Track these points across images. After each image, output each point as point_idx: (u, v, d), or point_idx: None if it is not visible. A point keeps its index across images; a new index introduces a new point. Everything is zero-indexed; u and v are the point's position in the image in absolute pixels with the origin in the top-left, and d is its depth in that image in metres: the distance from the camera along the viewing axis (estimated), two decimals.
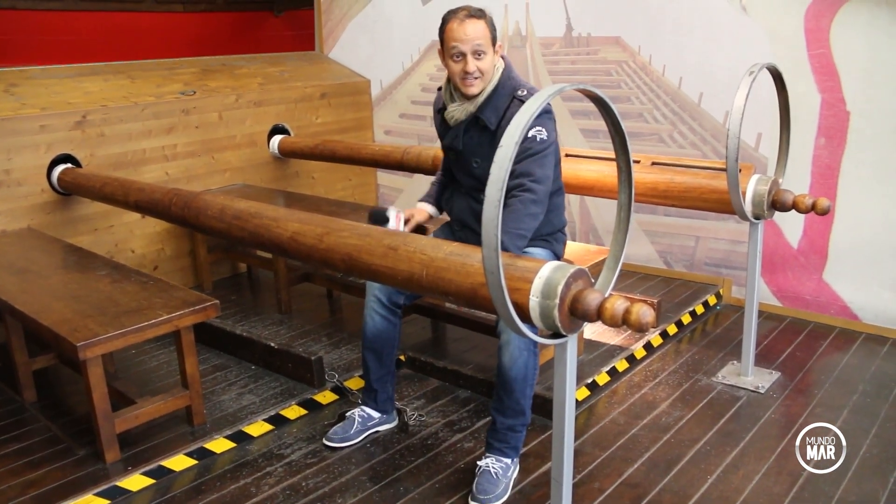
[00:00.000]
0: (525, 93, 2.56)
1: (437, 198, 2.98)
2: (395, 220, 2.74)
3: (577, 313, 1.79)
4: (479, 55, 2.54)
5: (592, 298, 1.77)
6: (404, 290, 2.65)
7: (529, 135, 2.43)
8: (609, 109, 1.77)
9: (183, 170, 4.49)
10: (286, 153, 4.92)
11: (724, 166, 2.87)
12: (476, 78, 2.56)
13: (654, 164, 3.37)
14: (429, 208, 2.95)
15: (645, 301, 3.76)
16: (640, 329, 1.70)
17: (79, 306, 2.82)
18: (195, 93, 4.59)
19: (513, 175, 2.43)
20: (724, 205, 3.04)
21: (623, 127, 1.82)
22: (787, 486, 2.55)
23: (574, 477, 2.44)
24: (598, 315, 1.76)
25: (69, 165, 3.96)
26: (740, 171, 2.91)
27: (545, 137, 2.48)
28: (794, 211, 2.98)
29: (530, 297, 1.81)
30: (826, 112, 3.69)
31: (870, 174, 3.62)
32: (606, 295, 1.80)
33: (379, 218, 2.72)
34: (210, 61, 5.24)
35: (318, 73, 5.47)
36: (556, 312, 1.78)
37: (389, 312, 2.80)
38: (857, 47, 3.56)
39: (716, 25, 3.97)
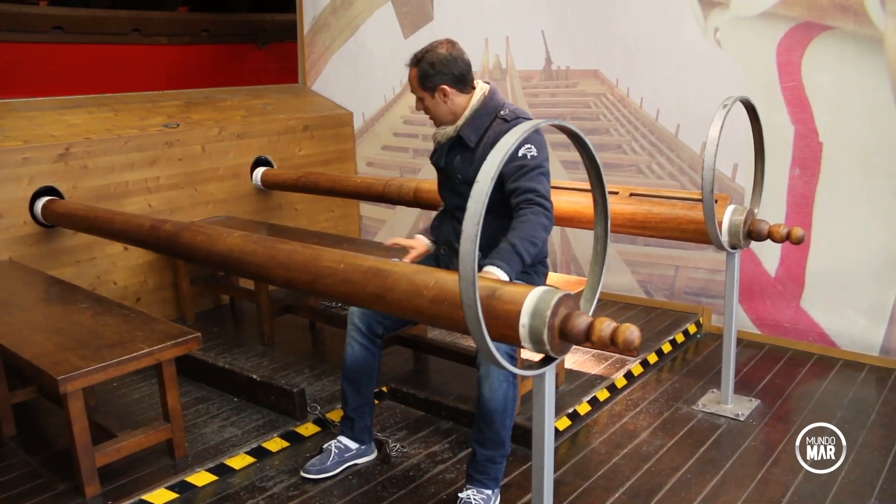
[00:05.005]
0: (506, 112, 2.65)
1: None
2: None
3: (567, 335, 1.82)
4: (420, 100, 2.71)
5: (581, 320, 1.80)
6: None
7: (520, 154, 2.51)
8: (583, 143, 1.81)
9: (166, 202, 4.50)
10: (269, 185, 4.94)
11: (700, 197, 2.92)
12: (431, 118, 2.71)
13: (632, 195, 3.42)
14: (424, 240, 2.91)
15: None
16: (628, 348, 1.73)
17: (60, 339, 2.82)
18: (178, 125, 4.62)
19: (517, 192, 2.50)
20: (702, 235, 3.08)
21: (598, 160, 1.86)
22: None
23: None
24: (587, 336, 1.79)
25: (52, 198, 3.96)
26: (716, 201, 2.96)
27: (535, 154, 2.53)
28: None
29: (520, 319, 1.83)
30: (800, 143, 3.76)
31: (843, 203, 3.69)
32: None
33: None
34: (193, 94, 5.27)
35: (300, 105, 5.52)
36: (545, 335, 1.80)
37: (369, 341, 2.81)
38: (828, 80, 3.64)
39: (691, 59, 4.05)
